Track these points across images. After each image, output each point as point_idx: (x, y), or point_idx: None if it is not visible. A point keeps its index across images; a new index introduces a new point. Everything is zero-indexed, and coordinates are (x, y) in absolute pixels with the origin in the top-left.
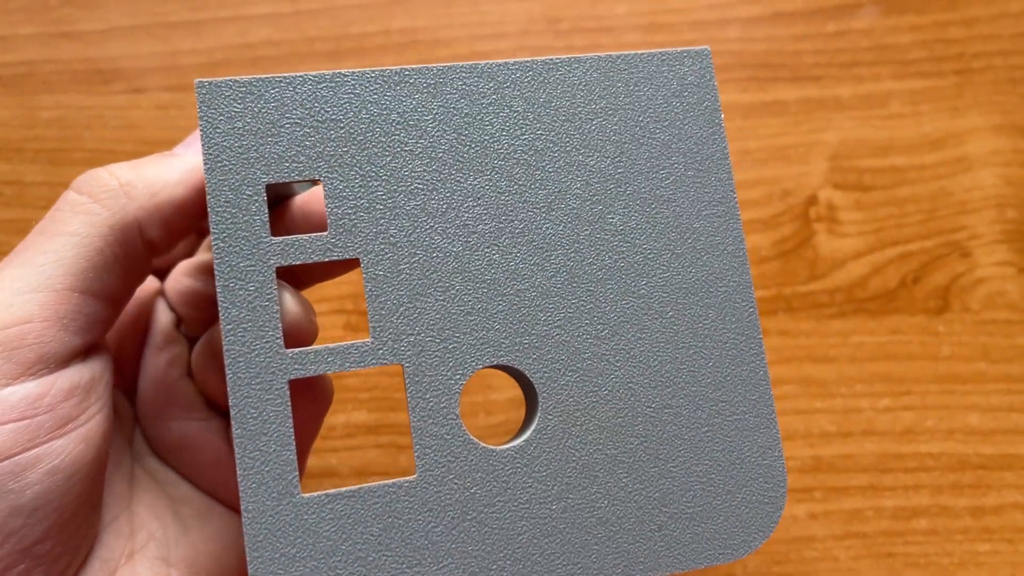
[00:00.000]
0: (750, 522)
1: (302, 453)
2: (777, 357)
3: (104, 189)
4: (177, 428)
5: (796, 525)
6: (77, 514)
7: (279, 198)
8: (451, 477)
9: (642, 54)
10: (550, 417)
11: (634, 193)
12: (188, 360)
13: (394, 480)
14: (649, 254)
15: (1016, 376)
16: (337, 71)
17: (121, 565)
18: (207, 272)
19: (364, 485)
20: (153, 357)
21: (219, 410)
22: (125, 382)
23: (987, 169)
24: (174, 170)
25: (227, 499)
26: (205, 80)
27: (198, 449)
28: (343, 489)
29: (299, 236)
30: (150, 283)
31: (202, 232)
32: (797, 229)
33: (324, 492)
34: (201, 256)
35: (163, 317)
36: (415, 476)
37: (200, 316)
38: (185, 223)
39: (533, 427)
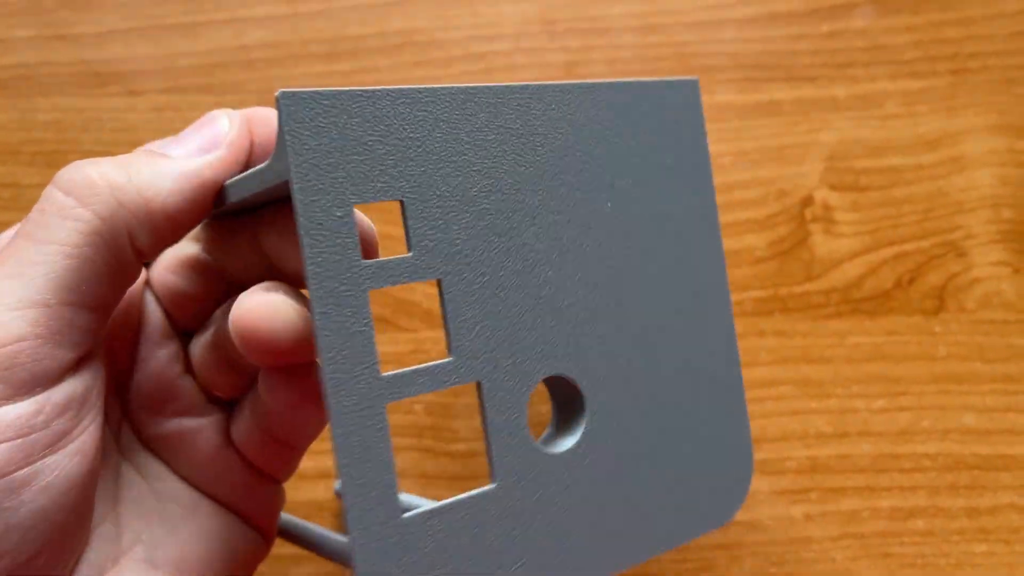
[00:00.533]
0: (730, 494)
1: (300, 453)
2: (773, 357)
3: (93, 192)
4: (175, 424)
5: (793, 526)
6: (71, 525)
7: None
8: (522, 483)
9: (649, 82)
10: (595, 420)
11: (649, 211)
12: (186, 355)
13: (476, 491)
14: (660, 266)
15: (1012, 376)
16: (412, 87)
17: (107, 570)
18: (191, 268)
19: (451, 499)
20: (151, 352)
21: (220, 405)
22: (116, 376)
23: (983, 169)
24: (169, 177)
25: (218, 495)
26: (289, 91)
27: (195, 445)
28: (435, 505)
29: (388, 259)
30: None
31: None
32: (793, 230)
33: (420, 510)
34: (185, 249)
35: (156, 310)
36: (494, 485)
37: (186, 314)
38: (177, 233)
39: (582, 429)
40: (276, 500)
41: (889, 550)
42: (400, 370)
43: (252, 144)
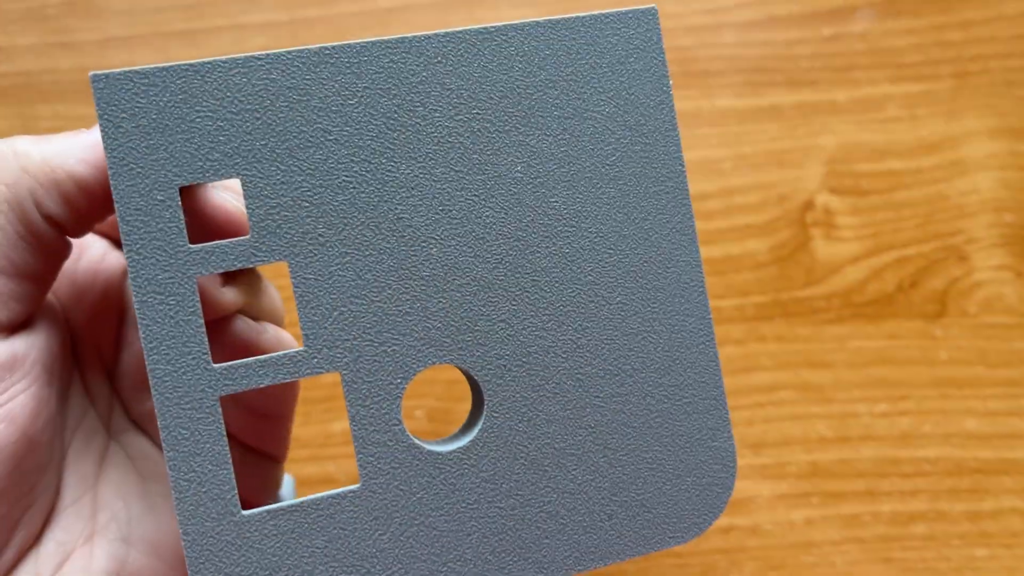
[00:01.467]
0: (700, 505)
1: (283, 424)
2: (774, 362)
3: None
4: None
5: (793, 531)
6: (3, 494)
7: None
8: (396, 484)
9: (583, 17)
10: (496, 415)
11: (579, 173)
12: None
13: (338, 490)
14: (595, 237)
15: (1014, 380)
16: (250, 54)
17: (79, 546)
18: None
19: (307, 497)
20: (135, 334)
21: None
22: (103, 359)
23: (984, 172)
24: (79, 146)
25: None
26: (101, 72)
27: None
28: (285, 503)
29: (220, 243)
30: (118, 257)
31: None
32: (794, 234)
33: (265, 508)
34: None
35: None
36: (359, 485)
37: None
38: (93, 204)
39: (479, 426)
40: (269, 479)
41: (890, 555)
42: (236, 361)
43: None
